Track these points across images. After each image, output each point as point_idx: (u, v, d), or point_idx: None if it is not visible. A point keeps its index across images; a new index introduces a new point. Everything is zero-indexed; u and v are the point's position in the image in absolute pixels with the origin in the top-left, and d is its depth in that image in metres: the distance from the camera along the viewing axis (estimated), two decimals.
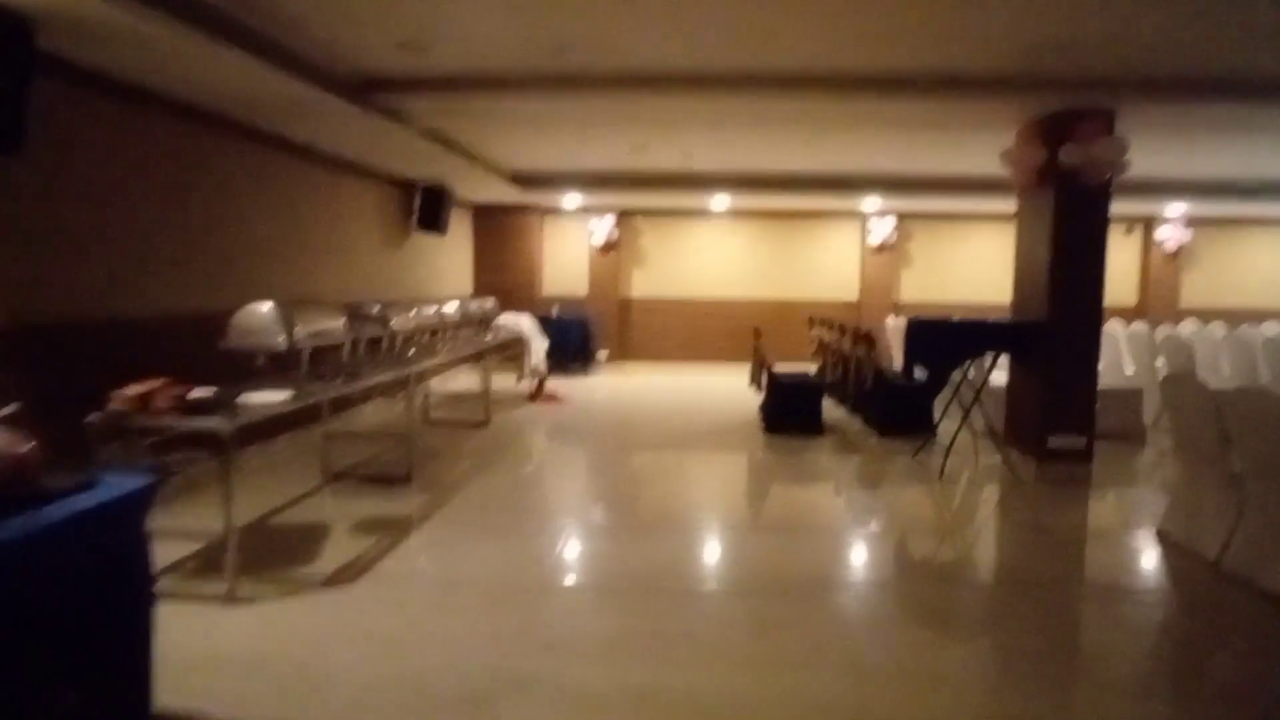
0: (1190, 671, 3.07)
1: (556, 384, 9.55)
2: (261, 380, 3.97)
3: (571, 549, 4.18)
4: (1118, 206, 10.07)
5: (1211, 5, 4.02)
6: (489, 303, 8.61)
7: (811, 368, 9.88)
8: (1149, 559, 4.16)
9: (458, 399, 8.39)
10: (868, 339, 7.54)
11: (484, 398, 7.63)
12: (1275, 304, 11.27)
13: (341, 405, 5.57)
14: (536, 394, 9.02)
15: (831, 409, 8.02)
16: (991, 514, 4.97)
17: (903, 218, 11.43)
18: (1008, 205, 10.43)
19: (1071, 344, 5.62)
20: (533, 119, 6.62)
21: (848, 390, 8.18)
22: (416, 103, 5.85)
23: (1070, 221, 5.52)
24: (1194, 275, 11.74)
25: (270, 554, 3.91)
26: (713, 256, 11.96)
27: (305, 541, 4.08)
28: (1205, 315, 10.11)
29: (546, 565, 3.88)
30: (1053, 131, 5.50)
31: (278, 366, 4.22)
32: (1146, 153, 6.34)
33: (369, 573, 3.66)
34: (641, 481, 5.69)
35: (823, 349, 9.35)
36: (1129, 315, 11.10)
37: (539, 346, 9.22)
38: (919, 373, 5.69)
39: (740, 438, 7.04)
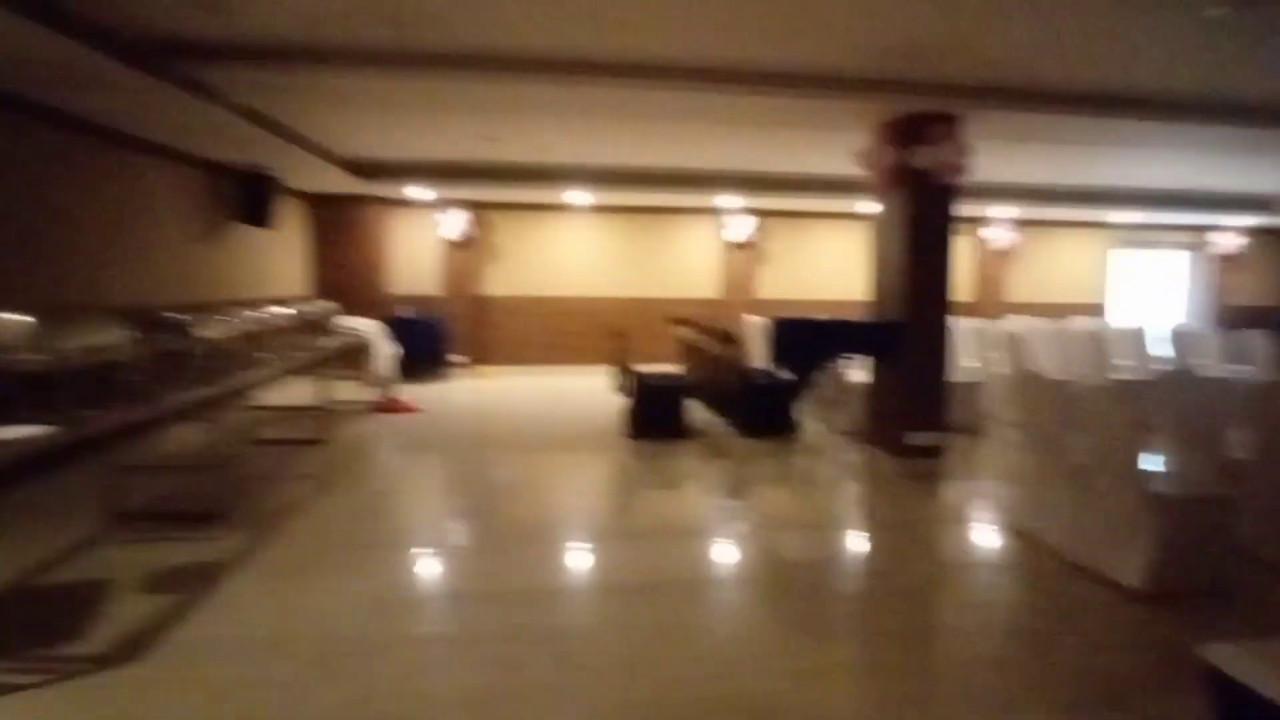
0: (1039, 659, 3.07)
1: (407, 392, 8.82)
2: (15, 409, 3.16)
3: (422, 586, 3.68)
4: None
5: (1053, 19, 4.14)
6: (326, 305, 7.77)
7: (675, 368, 9.77)
8: (1000, 550, 4.25)
9: (292, 415, 7.50)
10: (732, 338, 7.46)
11: (322, 412, 6.84)
12: (1083, 299, 12.46)
13: (131, 432, 4.71)
14: (384, 404, 8.27)
15: (697, 410, 7.90)
16: (854, 512, 4.95)
17: (761, 215, 11.59)
18: (860, 205, 11.08)
19: (927, 342, 5.75)
20: (371, 101, 5.95)
21: (713, 391, 8.09)
22: (225, 74, 5.04)
23: (923, 222, 5.64)
24: (1018, 273, 12.75)
25: (28, 626, 3.12)
26: (573, 253, 11.59)
27: (77, 607, 3.30)
28: (1028, 310, 10.96)
29: (393, 611, 3.35)
30: (905, 134, 5.58)
31: (36, 389, 3.39)
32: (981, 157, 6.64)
33: (161, 644, 2.98)
34: (500, 499, 5.22)
35: (686, 348, 9.24)
36: (965, 311, 11.87)
37: (384, 351, 8.47)
38: (787, 371, 5.63)
39: (605, 445, 6.73)
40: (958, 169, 5.46)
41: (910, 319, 5.65)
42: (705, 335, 8.29)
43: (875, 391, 6.09)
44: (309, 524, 4.44)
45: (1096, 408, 3.84)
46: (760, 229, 11.72)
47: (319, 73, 4.95)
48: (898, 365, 5.66)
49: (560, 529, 4.57)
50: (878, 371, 6.01)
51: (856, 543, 4.48)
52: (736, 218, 11.47)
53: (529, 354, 11.53)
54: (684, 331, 9.21)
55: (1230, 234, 12.23)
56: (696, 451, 6.53)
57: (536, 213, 11.41)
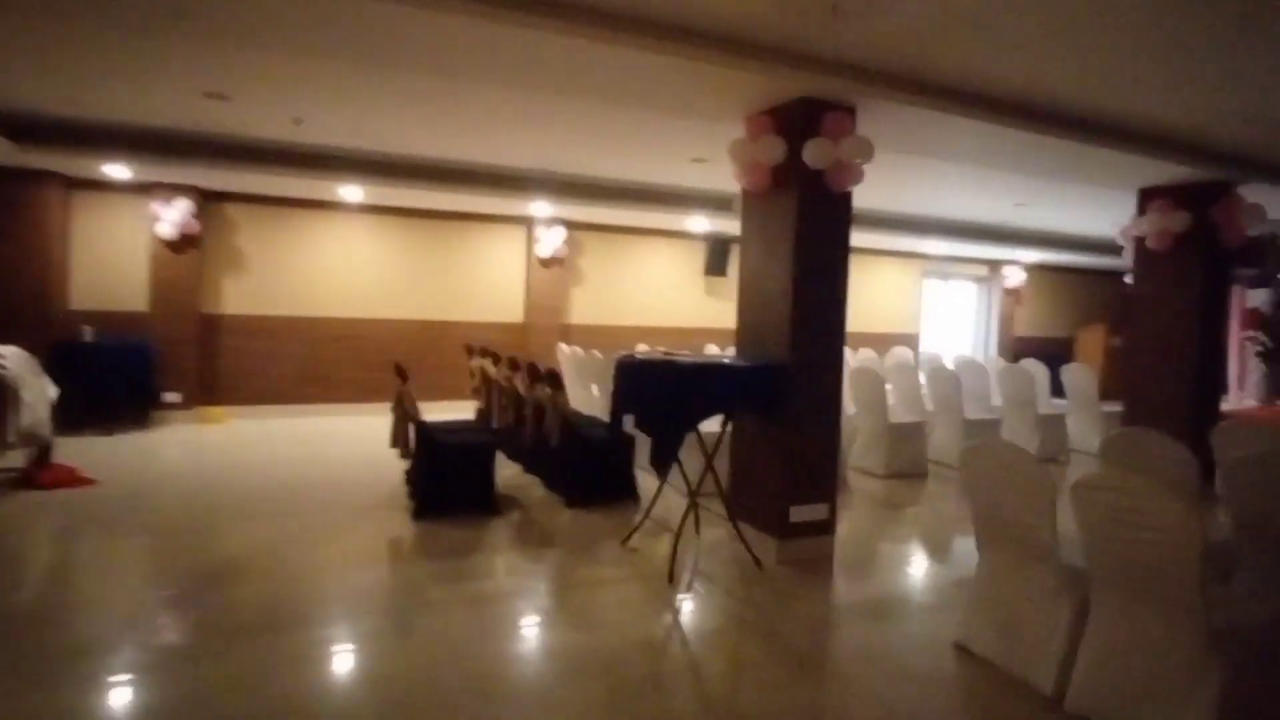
0: None
1: (86, 451, 6.07)
2: None
3: None
4: None
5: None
6: None
7: (476, 412, 7.89)
8: (954, 691, 3.00)
9: None
10: (552, 377, 5.79)
11: None
12: (901, 329, 12.37)
13: None
14: (37, 473, 5.54)
15: (502, 464, 6.12)
16: (733, 632, 3.48)
17: (572, 227, 10.04)
18: (691, 221, 9.94)
19: (818, 388, 4.49)
20: (28, 20, 3.56)
21: (523, 442, 6.34)
22: None
23: (815, 236, 4.38)
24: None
25: None
26: (341, 262, 9.21)
27: None
28: (850, 341, 10.44)
29: None
30: (794, 123, 4.31)
31: None
32: None
33: None
34: (197, 656, 3.07)
35: (486, 385, 7.40)
36: None
37: (38, 396, 5.71)
38: (630, 423, 4.09)
39: (377, 535, 4.72)
40: (857, 173, 4.29)
41: (797, 362, 4.36)
42: (513, 371, 6.53)
43: (746, 455, 4.73)
44: None
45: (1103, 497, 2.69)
46: (572, 243, 10.18)
47: None
48: (781, 422, 4.33)
49: None
50: (750, 429, 4.64)
51: (729, 691, 2.99)
52: (548, 229, 9.83)
53: (277, 391, 8.94)
54: (483, 362, 7.37)
55: (1017, 268, 12.82)
56: (509, 537, 4.75)
57: (290, 209, 8.91)
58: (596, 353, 7.74)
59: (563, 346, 8.96)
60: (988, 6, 3.36)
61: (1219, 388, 6.38)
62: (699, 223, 9.71)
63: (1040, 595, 3.06)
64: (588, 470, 5.60)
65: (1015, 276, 12.82)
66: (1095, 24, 3.52)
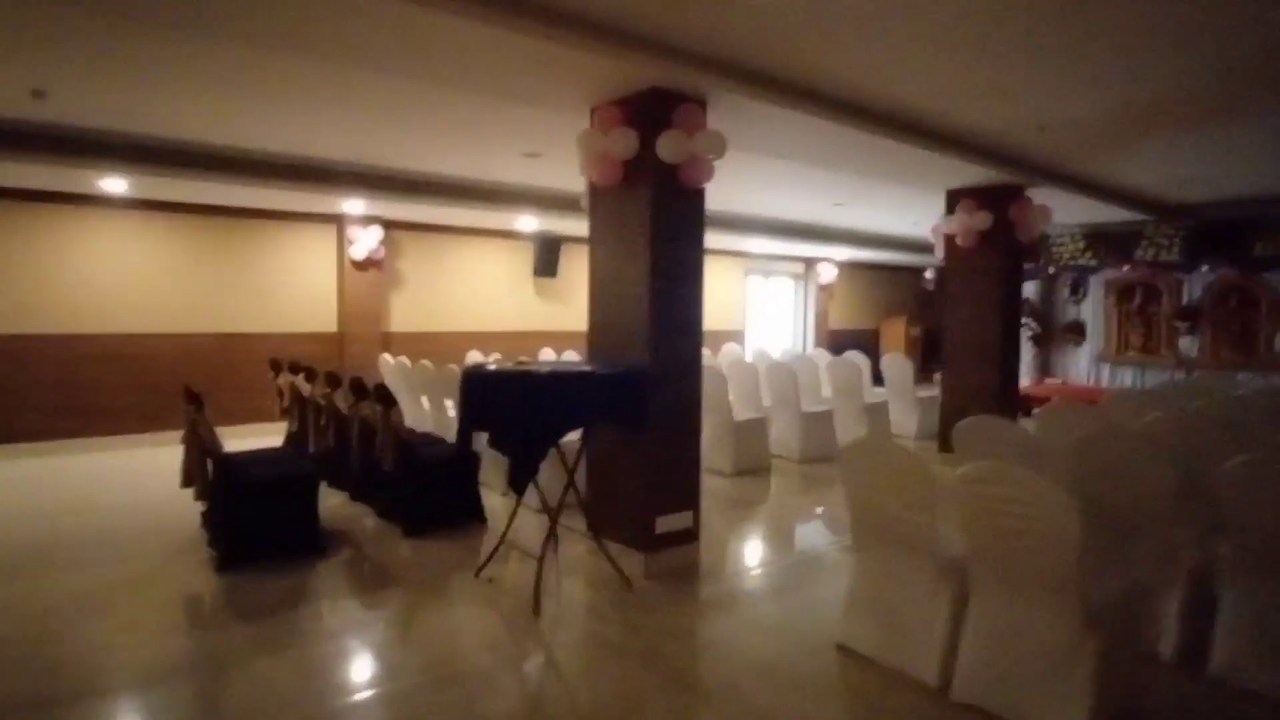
0: None
1: None
2: None
3: None
4: None
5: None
6: None
7: (282, 432, 6.98)
8: (843, 693, 2.92)
9: None
10: (381, 393, 5.16)
11: None
12: (729, 326, 12.67)
13: None
14: None
15: (323, 493, 5.40)
16: (613, 662, 3.19)
17: (390, 227, 9.23)
18: (521, 221, 9.45)
19: (679, 395, 4.30)
20: None
21: (348, 467, 5.63)
22: None
23: (671, 233, 4.18)
24: None
25: None
26: (106, 268, 7.77)
27: None
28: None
29: None
30: (643, 115, 4.08)
31: None
32: None
33: None
34: None
35: (299, 404, 6.53)
36: None
37: None
38: (499, 452, 3.66)
39: (170, 595, 3.90)
40: (710, 168, 4.14)
41: (658, 363, 4.14)
42: (332, 387, 5.79)
43: (607, 465, 4.44)
44: None
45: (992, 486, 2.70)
46: (391, 244, 9.37)
47: None
48: (644, 430, 4.09)
49: None
50: (611, 439, 4.36)
51: None
52: (363, 228, 8.95)
53: (25, 426, 7.37)
54: (297, 382, 6.49)
55: (830, 265, 13.66)
56: (340, 581, 4.13)
57: (36, 205, 7.37)
58: (426, 363, 7.10)
59: (386, 357, 8.19)
60: (828, 4, 3.32)
61: (1017, 371, 7.06)
62: (528, 222, 9.30)
63: (920, 588, 3.05)
64: (427, 493, 5.04)
65: (828, 273, 13.67)
66: (916, 32, 3.66)
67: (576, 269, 11.08)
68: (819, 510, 5.85)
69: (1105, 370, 10.70)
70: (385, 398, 5.13)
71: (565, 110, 4.54)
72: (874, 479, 3.14)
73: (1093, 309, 10.80)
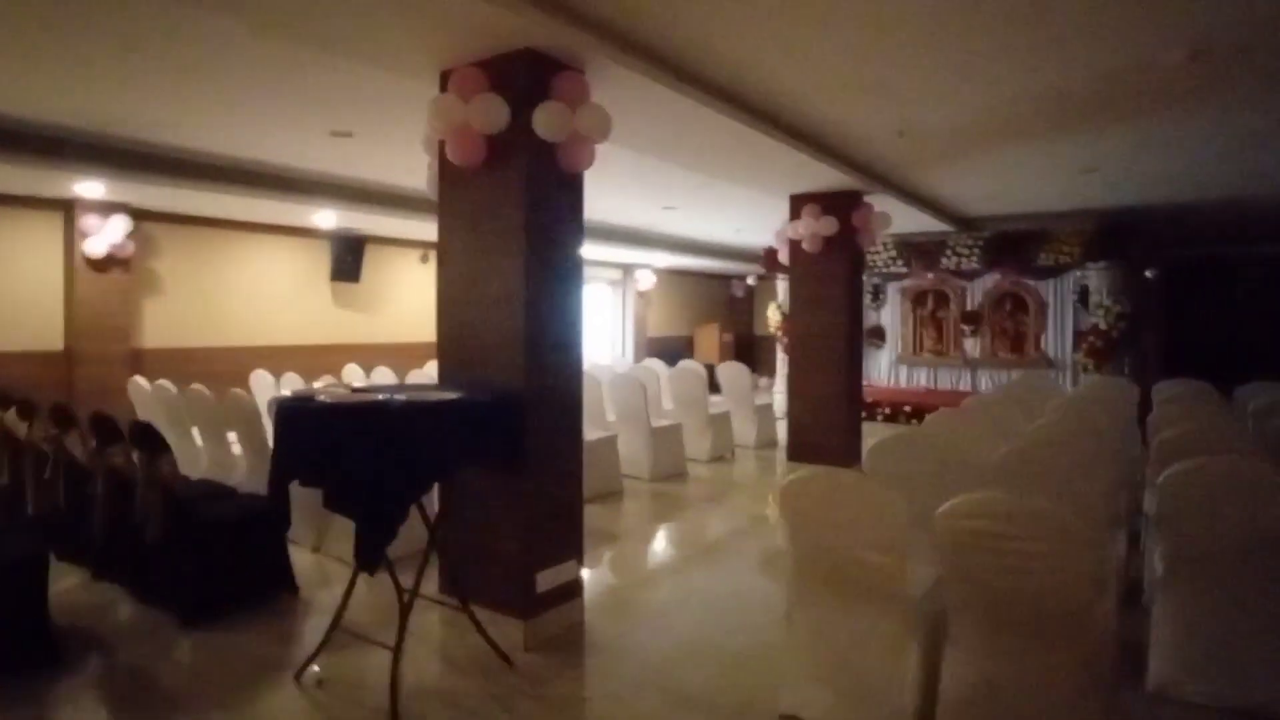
0: None
1: None
2: None
3: None
4: (410, 227, 8.81)
5: None
6: None
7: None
8: None
9: None
10: (144, 435, 3.84)
11: None
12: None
13: None
14: None
15: (62, 578, 3.97)
16: None
17: (141, 217, 7.41)
18: (320, 217, 7.97)
19: (561, 422, 3.57)
20: None
21: (88, 535, 4.17)
22: None
23: (551, 228, 3.44)
24: None
25: None
26: None
27: None
28: None
29: None
30: (512, 82, 3.30)
31: None
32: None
33: None
34: None
35: (12, 452, 4.83)
36: (429, 353, 9.96)
37: None
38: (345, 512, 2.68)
39: None
40: (593, 152, 3.46)
41: (536, 385, 3.38)
42: (62, 428, 4.30)
43: (471, 508, 3.57)
44: None
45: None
46: (143, 239, 7.54)
47: None
48: (522, 468, 3.30)
49: None
50: (478, 482, 3.50)
51: None
52: (103, 218, 7.06)
53: None
54: (9, 420, 4.80)
55: (648, 271, 13.45)
56: (83, 707, 2.89)
57: None
58: (200, 388, 5.64)
59: (139, 382, 6.47)
60: None
61: (861, 376, 7.13)
62: (326, 217, 7.95)
63: (884, 641, 2.62)
64: (213, 565, 3.82)
65: (647, 280, 13.47)
66: (803, 16, 3.35)
67: (383, 272, 9.81)
68: (698, 541, 5.37)
69: (903, 371, 11.47)
70: (149, 441, 3.82)
71: (403, 70, 3.63)
72: (827, 516, 2.66)
73: (891, 314, 11.54)
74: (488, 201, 3.45)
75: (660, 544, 5.33)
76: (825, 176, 6.06)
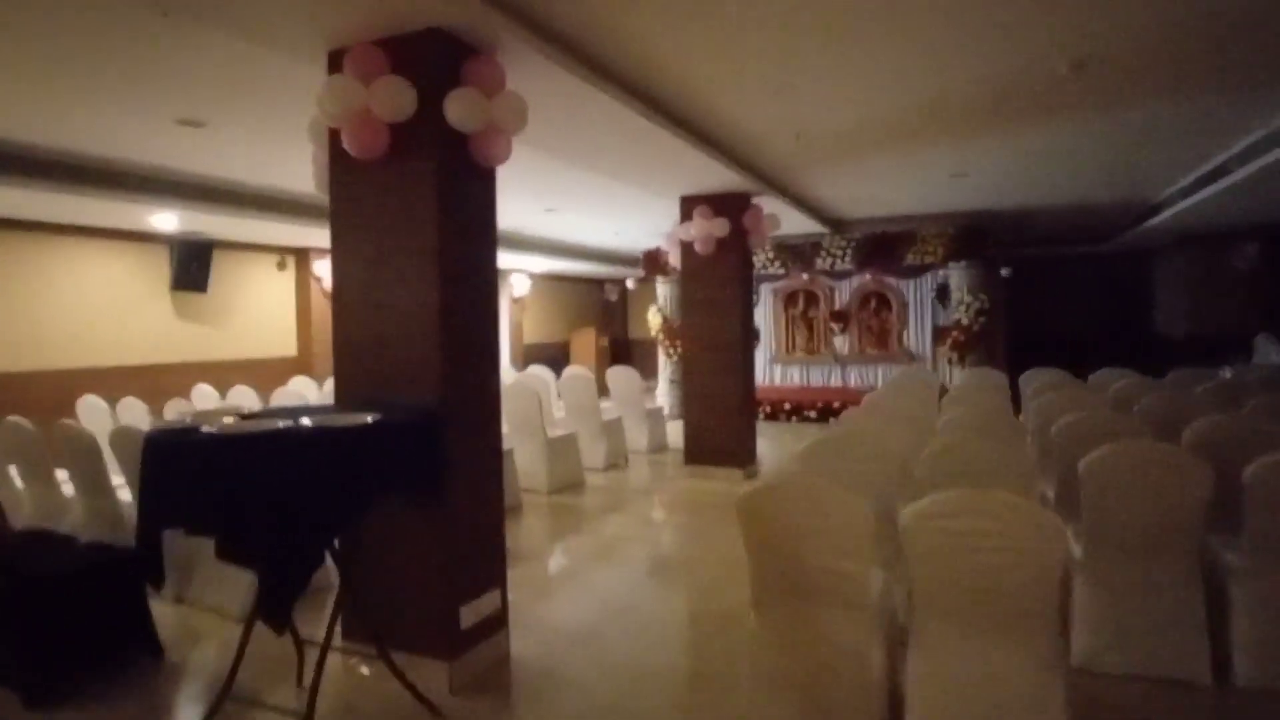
0: None
1: None
2: None
3: None
4: (267, 230, 7.99)
5: None
6: None
7: None
8: None
9: None
10: None
11: None
12: None
13: None
14: None
15: None
16: None
17: None
18: (159, 219, 6.94)
19: (481, 441, 3.26)
20: None
21: None
22: None
23: (464, 227, 3.13)
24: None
25: None
26: None
27: None
28: None
29: None
30: (418, 64, 2.97)
31: None
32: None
33: None
34: None
35: None
36: (289, 369, 9.13)
37: None
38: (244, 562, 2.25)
39: None
40: (509, 144, 3.18)
41: (454, 401, 3.05)
42: None
43: (385, 540, 3.17)
44: None
45: None
46: None
47: None
48: (442, 496, 2.97)
49: None
50: (397, 513, 3.11)
51: None
52: None
53: None
54: None
55: (523, 276, 13.06)
56: None
57: None
58: (19, 420, 4.75)
59: None
60: None
61: (754, 377, 7.20)
62: (167, 220, 7.02)
63: (850, 649, 2.55)
64: (56, 631, 3.18)
65: (522, 285, 13.08)
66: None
67: (234, 280, 8.86)
68: (602, 553, 5.17)
69: (778, 370, 11.83)
70: None
71: (281, 46, 3.19)
72: (792, 525, 2.56)
73: (764, 314, 11.87)
74: (393, 198, 3.08)
75: (574, 560, 5.09)
76: (718, 177, 6.05)
